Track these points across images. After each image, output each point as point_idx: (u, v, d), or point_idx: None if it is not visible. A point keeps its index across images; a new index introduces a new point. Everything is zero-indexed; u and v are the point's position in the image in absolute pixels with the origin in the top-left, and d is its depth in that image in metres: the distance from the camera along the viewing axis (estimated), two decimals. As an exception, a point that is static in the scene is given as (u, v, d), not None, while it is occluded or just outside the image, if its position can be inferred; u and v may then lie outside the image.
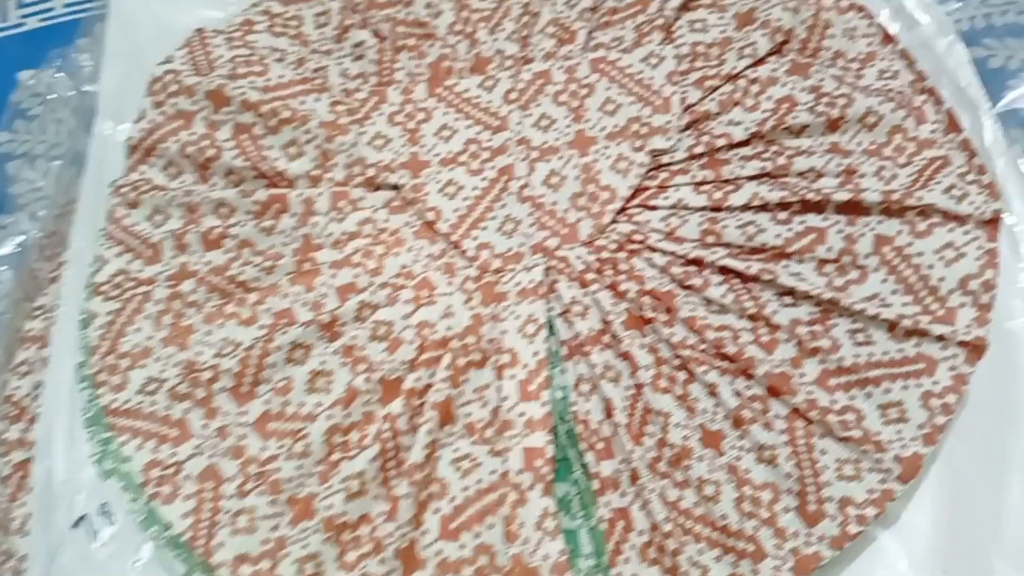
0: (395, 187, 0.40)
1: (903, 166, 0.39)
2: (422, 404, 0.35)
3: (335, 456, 0.34)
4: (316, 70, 0.44)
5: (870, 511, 0.33)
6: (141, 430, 0.35)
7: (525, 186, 0.39)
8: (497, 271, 0.38)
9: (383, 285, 0.38)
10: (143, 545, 0.35)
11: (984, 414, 0.36)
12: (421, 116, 0.42)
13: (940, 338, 0.35)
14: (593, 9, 0.44)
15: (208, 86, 0.42)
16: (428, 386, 0.35)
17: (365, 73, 0.44)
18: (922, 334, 0.35)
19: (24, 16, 0.56)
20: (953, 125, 0.39)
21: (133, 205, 0.41)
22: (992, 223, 0.37)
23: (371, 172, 0.40)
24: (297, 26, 0.46)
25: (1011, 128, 0.43)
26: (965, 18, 0.49)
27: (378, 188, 0.40)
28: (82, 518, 0.36)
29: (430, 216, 0.39)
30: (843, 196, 0.37)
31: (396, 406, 0.35)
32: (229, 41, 0.44)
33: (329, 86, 0.43)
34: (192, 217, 0.41)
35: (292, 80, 0.43)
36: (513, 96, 0.42)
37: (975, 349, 0.35)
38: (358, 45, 0.44)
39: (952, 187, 0.37)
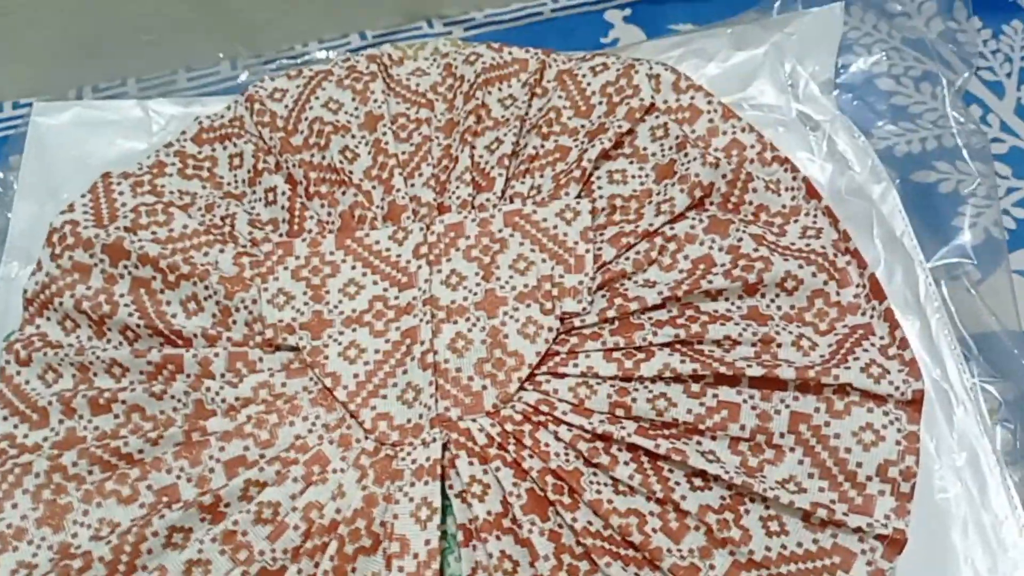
0: (295, 348, 0.39)
1: (824, 333, 0.37)
2: (303, 600, 0.33)
3: (206, 659, 0.32)
4: (224, 217, 0.42)
5: None
6: (1, 628, 0.33)
7: (428, 351, 0.37)
8: (395, 444, 0.36)
9: (272, 460, 0.35)
10: None
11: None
12: (327, 271, 0.40)
13: (857, 530, 0.33)
14: (513, 154, 0.43)
15: (106, 239, 0.40)
16: (311, 576, 0.33)
17: (276, 220, 0.42)
18: (839, 525, 0.33)
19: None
20: (877, 291, 0.37)
21: (24, 363, 0.39)
22: (914, 404, 0.35)
23: (270, 333, 0.38)
24: (210, 167, 0.44)
25: (949, 280, 0.42)
26: (916, 139, 0.48)
27: (278, 348, 0.39)
28: None
29: (328, 382, 0.37)
30: (757, 372, 0.35)
31: (274, 602, 0.32)
32: (136, 187, 0.43)
33: (236, 235, 0.42)
34: (84, 376, 0.39)
35: (196, 230, 0.41)
36: (423, 250, 0.40)
37: (893, 543, 0.33)
38: (270, 190, 0.43)
39: (871, 364, 0.35)
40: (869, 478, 0.34)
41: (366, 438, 0.36)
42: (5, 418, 0.38)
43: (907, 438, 0.34)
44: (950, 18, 0.52)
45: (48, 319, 0.40)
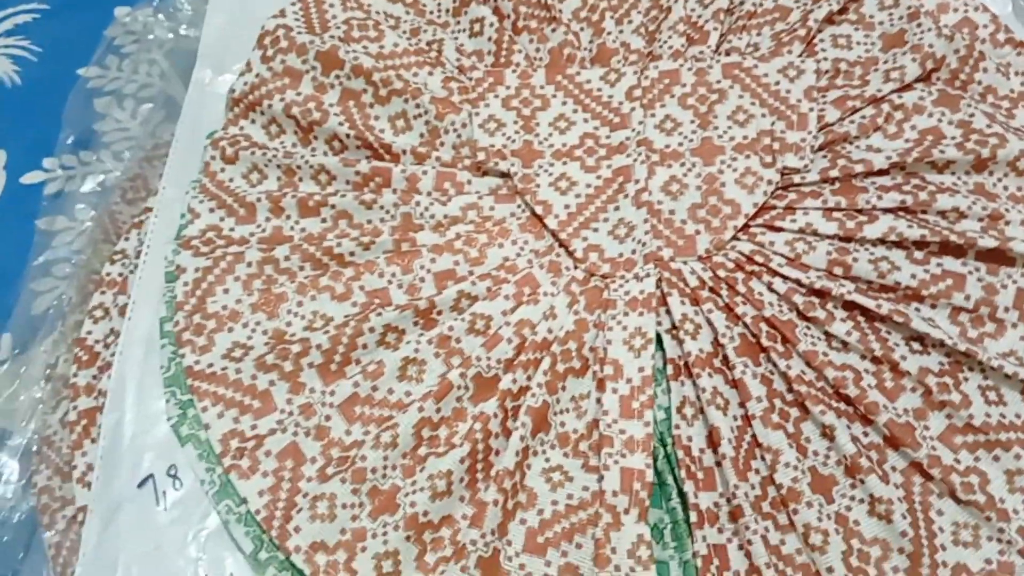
0: (504, 174, 0.38)
1: (1052, 217, 0.36)
2: (517, 407, 0.33)
3: (422, 451, 0.32)
4: (431, 43, 0.42)
5: (986, 583, 0.31)
6: (223, 397, 0.34)
7: (643, 190, 0.37)
8: (605, 276, 0.36)
9: (484, 276, 0.36)
10: (209, 515, 0.33)
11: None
12: (537, 103, 0.40)
13: (1078, 407, 0.32)
14: (729, 11, 0.42)
15: (321, 47, 0.40)
16: (524, 389, 0.33)
17: (481, 51, 0.42)
18: (1059, 400, 0.33)
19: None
20: (1111, 180, 0.36)
21: (230, 160, 0.39)
22: None
23: (481, 156, 0.38)
24: (414, -8, 0.44)
25: None
26: None
27: (486, 173, 0.38)
28: (148, 478, 0.34)
29: (539, 209, 0.37)
30: (989, 243, 0.34)
31: (490, 406, 0.33)
32: (344, 0, 0.42)
33: (443, 60, 0.41)
34: (290, 180, 0.39)
35: (407, 50, 0.41)
36: (637, 93, 0.39)
37: (1118, 425, 0.32)
38: (476, 21, 0.42)
39: (1109, 248, 0.34)
40: (1093, 360, 0.33)
41: (576, 267, 0.36)
42: (212, 210, 0.38)
43: None
44: None
45: (253, 121, 0.40)
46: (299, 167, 0.39)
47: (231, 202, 0.38)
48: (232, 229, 0.38)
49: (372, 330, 0.34)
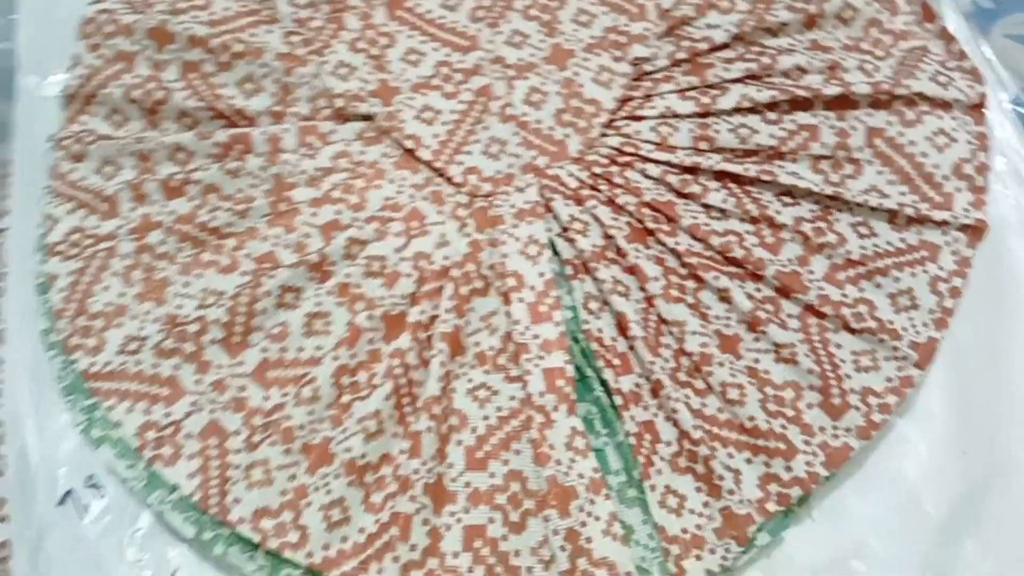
0: (366, 117, 0.38)
1: (882, 58, 0.39)
2: (429, 337, 0.33)
3: (346, 398, 0.32)
4: (262, 1, 0.41)
5: (891, 399, 0.33)
6: (128, 392, 0.33)
7: (506, 105, 0.38)
8: (488, 195, 0.36)
9: (369, 219, 0.35)
10: (140, 514, 0.32)
11: (981, 296, 0.37)
12: (384, 41, 0.39)
13: (941, 223, 0.35)
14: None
15: (148, 23, 0.38)
16: (433, 318, 0.33)
17: (315, 2, 0.41)
18: (922, 221, 0.35)
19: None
20: (928, 14, 0.39)
21: (79, 158, 0.38)
22: (977, 108, 0.37)
23: (339, 103, 0.38)
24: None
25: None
26: None
27: (348, 119, 0.38)
28: (67, 494, 0.33)
29: (409, 144, 0.37)
30: (833, 91, 0.36)
31: (403, 341, 0.33)
32: (165, -26, 0.41)
33: (279, 16, 0.40)
34: (146, 166, 0.37)
35: (239, 12, 0.40)
36: (480, 14, 0.40)
37: (975, 231, 0.35)
38: (307, -28, 0.41)
39: (937, 74, 0.37)
40: (946, 177, 0.36)
41: (457, 192, 0.37)
42: (71, 211, 0.37)
43: (977, 137, 0.36)
44: None
45: (94, 114, 0.39)
46: (153, 150, 0.37)
47: (89, 199, 0.37)
48: (97, 227, 0.36)
49: (268, 294, 0.34)
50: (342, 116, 0.38)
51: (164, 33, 0.38)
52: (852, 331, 0.34)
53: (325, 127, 0.38)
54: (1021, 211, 0.38)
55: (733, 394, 0.33)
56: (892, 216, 0.35)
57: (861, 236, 0.35)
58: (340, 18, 0.40)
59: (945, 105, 0.37)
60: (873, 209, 0.35)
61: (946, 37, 0.38)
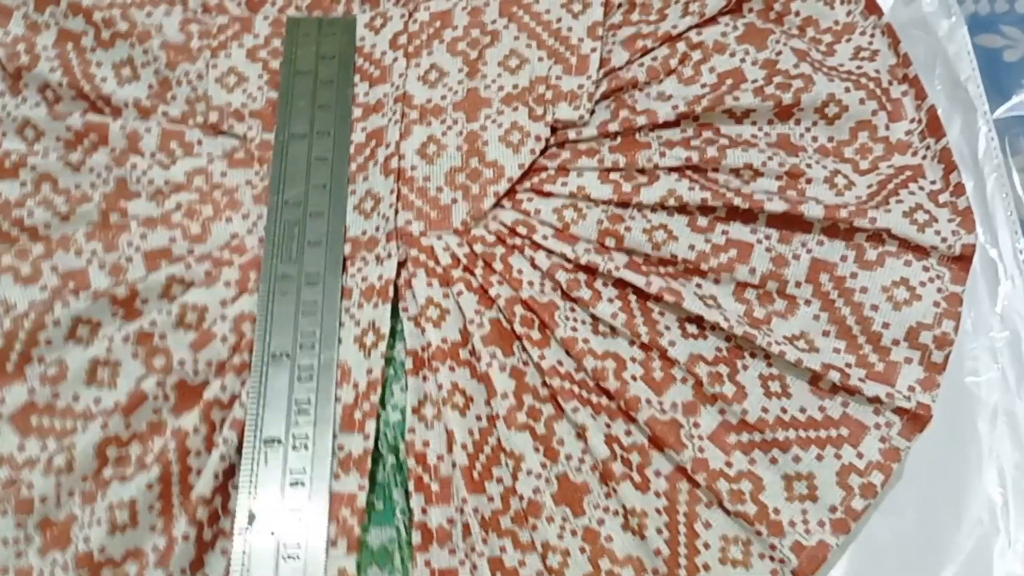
0: (241, 136, 0.33)
1: (864, 172, 0.31)
2: (223, 420, 0.28)
3: (107, 473, 0.27)
4: (177, -26, 0.36)
5: (750, 616, 0.26)
6: None
7: (393, 155, 0.32)
8: (346, 258, 0.31)
9: (203, 258, 0.30)
10: None
11: (923, 490, 0.29)
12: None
13: (874, 400, 0.28)
14: (520, -65, 0.36)
15: (33, -20, 0.34)
16: (234, 399, 0.28)
17: (236, -15, 0.36)
18: (852, 392, 0.28)
19: None
20: (935, 127, 0.31)
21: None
22: (961, 261, 0.29)
23: (214, 117, 0.33)
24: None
25: (1013, 137, 0.36)
26: (986, -1, 0.41)
27: (221, 133, 0.33)
28: None
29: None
30: (778, 206, 0.29)
31: (191, 419, 0.28)
32: (71, -71, 0.36)
33: (187, -3, 0.35)
34: (-11, 136, 0.33)
35: (140, -14, 0.35)
36: (402, 40, 0.34)
37: (916, 419, 0.28)
38: (232, -49, 0.36)
39: (917, 208, 0.29)
40: (896, 342, 0.28)
41: (313, 244, 0.31)
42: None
43: (948, 300, 0.28)
44: None
45: (-45, 71, 0.35)
46: (1, 120, 0.33)
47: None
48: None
49: (57, 323, 0.29)
50: (216, 129, 0.33)
51: (48, -6, 0.34)
52: (727, 511, 0.27)
53: (193, 135, 0.33)
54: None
55: (554, 560, 0.27)
56: (815, 377, 0.28)
57: (769, 394, 0.28)
58: (250, 19, 0.35)
59: (920, 249, 0.29)
60: (793, 364, 0.28)
61: (947, 161, 0.30)
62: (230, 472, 0.28)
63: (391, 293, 0.30)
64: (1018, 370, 0.32)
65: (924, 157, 0.31)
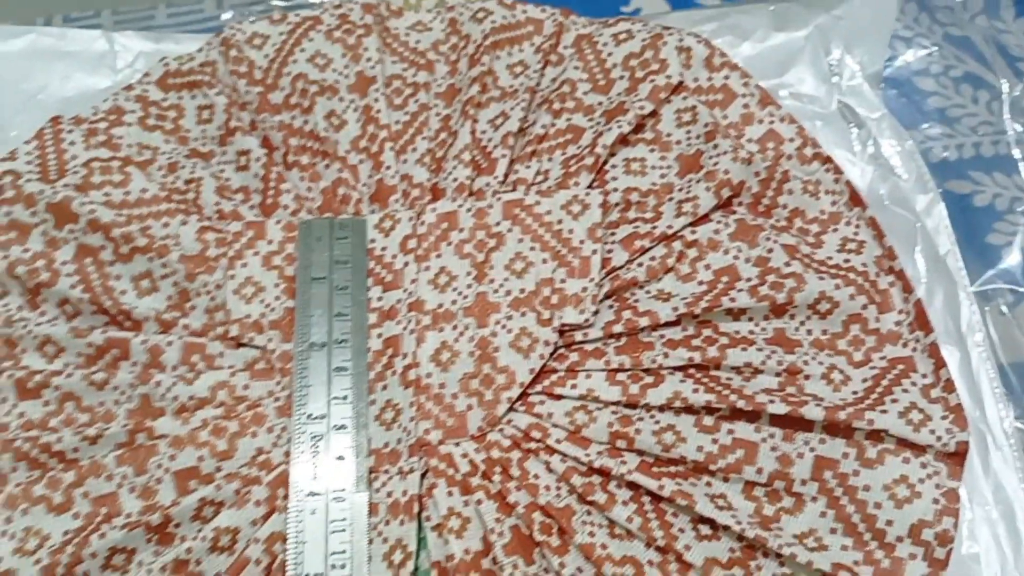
0: (262, 347, 0.34)
1: (859, 365, 0.33)
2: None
3: None
4: (189, 181, 0.37)
5: None
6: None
7: (411, 366, 0.33)
8: (370, 471, 0.32)
9: (232, 476, 0.31)
10: None
11: None
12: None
13: (881, 598, 0.29)
14: (520, 132, 0.38)
15: (52, 198, 0.35)
16: (268, 628, 0.29)
17: (248, 188, 0.38)
18: (860, 591, 0.29)
19: None
20: (923, 321, 0.33)
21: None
22: (956, 456, 0.31)
23: (235, 330, 0.34)
24: (176, 118, 0.39)
25: (993, 308, 0.38)
26: (952, 145, 0.43)
27: (241, 344, 0.34)
28: None
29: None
30: (780, 409, 0.31)
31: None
32: (89, 136, 0.37)
33: (202, 203, 0.37)
34: (10, 352, 0.34)
35: (156, 196, 0.36)
36: (411, 244, 0.35)
37: (923, 616, 0.29)
38: (243, 153, 0.38)
39: (912, 407, 0.31)
40: (900, 539, 0.30)
41: (336, 456, 0.32)
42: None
43: (946, 496, 0.30)
44: (996, 17, 0.46)
45: (-26, 284, 0.36)
46: (21, 337, 0.34)
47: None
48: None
49: (94, 555, 0.30)
50: (236, 340, 0.34)
51: (66, 211, 0.35)
52: None
53: (214, 348, 0.34)
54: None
55: None
56: (825, 576, 0.30)
57: (783, 596, 0.30)
58: (262, 225, 0.36)
59: (917, 447, 0.31)
60: (804, 565, 0.29)
61: (936, 357, 0.32)
62: None
63: (415, 510, 0.31)
64: (1015, 543, 0.33)
65: (915, 349, 0.33)
